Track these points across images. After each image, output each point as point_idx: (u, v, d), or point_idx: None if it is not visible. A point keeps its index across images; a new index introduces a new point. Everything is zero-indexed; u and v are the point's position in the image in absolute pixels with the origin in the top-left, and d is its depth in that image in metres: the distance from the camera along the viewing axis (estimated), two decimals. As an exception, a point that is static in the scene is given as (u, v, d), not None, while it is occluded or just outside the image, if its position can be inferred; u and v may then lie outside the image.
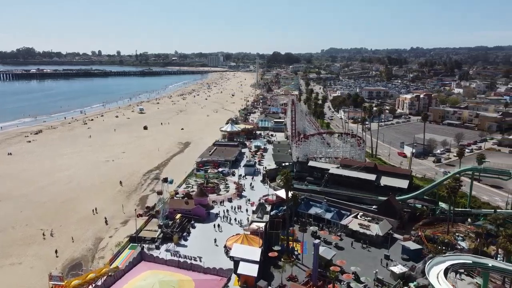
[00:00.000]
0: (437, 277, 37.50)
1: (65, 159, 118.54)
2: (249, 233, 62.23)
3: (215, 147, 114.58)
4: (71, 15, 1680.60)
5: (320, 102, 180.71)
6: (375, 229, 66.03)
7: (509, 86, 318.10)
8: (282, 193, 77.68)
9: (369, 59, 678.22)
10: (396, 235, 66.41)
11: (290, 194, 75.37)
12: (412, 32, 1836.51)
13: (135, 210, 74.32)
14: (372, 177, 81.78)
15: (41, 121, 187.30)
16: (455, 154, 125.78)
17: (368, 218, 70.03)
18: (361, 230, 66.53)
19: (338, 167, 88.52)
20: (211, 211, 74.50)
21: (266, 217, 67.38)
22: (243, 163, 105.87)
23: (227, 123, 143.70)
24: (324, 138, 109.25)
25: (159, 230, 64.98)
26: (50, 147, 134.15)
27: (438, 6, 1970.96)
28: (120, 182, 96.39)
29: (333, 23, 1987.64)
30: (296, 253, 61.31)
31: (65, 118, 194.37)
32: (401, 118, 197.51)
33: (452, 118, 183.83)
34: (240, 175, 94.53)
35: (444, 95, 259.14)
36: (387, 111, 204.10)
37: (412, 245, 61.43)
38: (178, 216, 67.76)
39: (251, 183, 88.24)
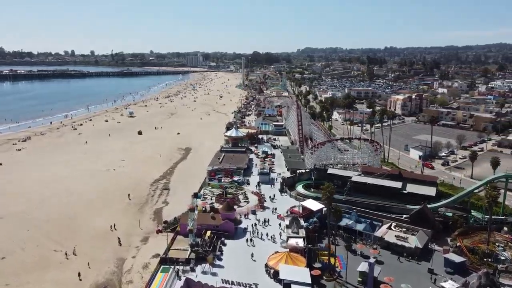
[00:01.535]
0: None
1: (61, 169, 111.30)
2: (288, 250, 58.87)
3: (223, 154, 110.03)
4: (40, 13, 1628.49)
5: (327, 105, 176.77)
6: (414, 241, 63.73)
7: (489, 85, 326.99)
8: (309, 204, 74.81)
9: (349, 59, 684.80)
10: (434, 247, 64.50)
11: (318, 206, 74.11)
12: (385, 31, 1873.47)
13: (158, 225, 69.63)
14: (398, 184, 79.70)
15: (25, 126, 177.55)
16: (461, 157, 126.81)
17: (403, 229, 67.82)
18: (399, 242, 64.06)
19: (360, 175, 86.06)
20: (239, 226, 70.25)
21: (302, 232, 63.90)
22: (254, 170, 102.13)
23: (228, 127, 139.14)
24: (335, 144, 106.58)
25: (190, 249, 60.39)
26: (43, 155, 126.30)
27: (409, 6, 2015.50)
28: (128, 195, 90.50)
29: (307, 23, 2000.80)
30: (338, 269, 58.25)
31: (51, 123, 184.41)
32: (396, 119, 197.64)
33: (446, 118, 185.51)
34: (257, 184, 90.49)
35: (431, 95, 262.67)
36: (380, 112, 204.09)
37: (456, 258, 59.22)
38: (208, 233, 63.42)
39: (274, 194, 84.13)
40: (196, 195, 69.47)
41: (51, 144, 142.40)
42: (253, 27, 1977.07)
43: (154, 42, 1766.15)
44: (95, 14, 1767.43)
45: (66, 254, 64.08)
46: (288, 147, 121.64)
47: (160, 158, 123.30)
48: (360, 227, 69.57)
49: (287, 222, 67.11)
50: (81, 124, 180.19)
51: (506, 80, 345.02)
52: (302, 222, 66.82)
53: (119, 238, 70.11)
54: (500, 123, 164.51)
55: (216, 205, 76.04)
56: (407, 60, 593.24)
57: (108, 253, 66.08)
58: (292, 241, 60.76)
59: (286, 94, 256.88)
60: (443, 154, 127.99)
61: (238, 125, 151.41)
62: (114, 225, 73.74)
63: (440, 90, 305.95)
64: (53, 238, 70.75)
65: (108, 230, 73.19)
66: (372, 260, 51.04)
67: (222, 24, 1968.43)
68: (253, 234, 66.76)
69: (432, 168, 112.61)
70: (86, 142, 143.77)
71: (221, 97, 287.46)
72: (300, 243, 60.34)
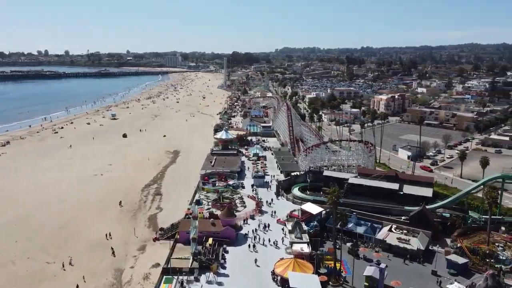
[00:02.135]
0: None
1: (47, 175, 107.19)
2: (293, 256, 57.82)
3: (214, 157, 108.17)
4: (10, 12, 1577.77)
5: (317, 107, 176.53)
6: (416, 243, 63.77)
7: (465, 85, 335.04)
8: (308, 207, 74.16)
9: (328, 59, 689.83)
10: (433, 248, 64.73)
11: (318, 209, 73.54)
12: (361, 31, 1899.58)
13: (156, 233, 67.41)
14: (395, 186, 79.86)
15: (2, 130, 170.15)
16: (448, 156, 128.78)
17: (404, 231, 67.81)
18: (401, 245, 63.95)
19: (356, 177, 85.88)
20: (239, 232, 68.72)
21: (305, 237, 62.99)
22: (247, 173, 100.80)
23: (216, 129, 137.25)
24: (328, 146, 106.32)
25: (191, 258, 58.50)
26: (26, 161, 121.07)
27: (382, 5, 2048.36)
28: (120, 202, 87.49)
29: (285, 23, 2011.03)
30: (343, 274, 57.56)
31: (30, 126, 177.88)
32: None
33: (429, 118, 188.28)
34: (253, 188, 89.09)
35: (412, 95, 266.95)
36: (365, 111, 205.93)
37: (459, 259, 59.49)
38: (210, 240, 61.72)
39: (272, 199, 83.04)
40: (198, 202, 67.60)
41: (33, 149, 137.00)
42: (231, 27, 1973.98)
43: (131, 42, 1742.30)
44: (68, 13, 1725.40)
45: (63, 265, 61.14)
46: (280, 149, 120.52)
47: (148, 161, 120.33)
48: (360, 230, 69.21)
49: (289, 227, 66.11)
50: (62, 127, 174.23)
51: (482, 80, 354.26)
52: (304, 226, 65.90)
53: (112, 249, 67.05)
54: (482, 122, 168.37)
55: (214, 211, 74.48)
56: (384, 60, 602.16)
57: (105, 263, 63.48)
58: (297, 247, 59.75)
59: (270, 94, 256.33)
60: (431, 154, 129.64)
61: (226, 127, 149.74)
62: (109, 233, 70.95)
63: (419, 89, 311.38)
64: (45, 250, 67.64)
65: (102, 239, 70.43)
66: (383, 265, 50.51)
67: (200, 24, 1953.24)
68: (254, 240, 65.51)
69: (431, 171, 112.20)
70: (70, 146, 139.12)
71: (204, 97, 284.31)
72: (305, 248, 59.48)
